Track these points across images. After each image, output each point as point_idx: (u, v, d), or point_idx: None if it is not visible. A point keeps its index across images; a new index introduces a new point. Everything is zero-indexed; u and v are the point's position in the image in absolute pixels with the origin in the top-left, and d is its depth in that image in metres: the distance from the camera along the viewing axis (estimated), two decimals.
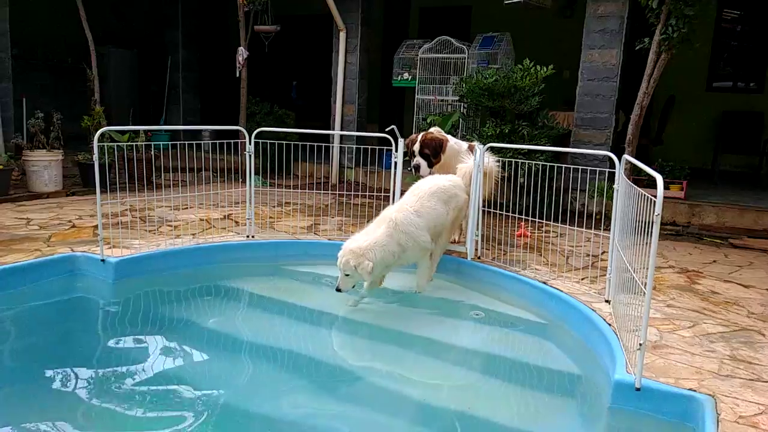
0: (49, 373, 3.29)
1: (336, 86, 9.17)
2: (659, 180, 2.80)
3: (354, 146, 8.51)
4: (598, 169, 4.49)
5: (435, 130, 5.45)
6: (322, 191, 6.23)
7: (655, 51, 6.12)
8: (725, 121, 9.38)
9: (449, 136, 5.47)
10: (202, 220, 6.03)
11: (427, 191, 4.53)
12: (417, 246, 4.30)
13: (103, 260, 4.47)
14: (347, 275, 4.09)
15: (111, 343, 3.83)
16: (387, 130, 5.51)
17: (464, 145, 5.45)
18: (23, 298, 4.16)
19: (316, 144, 6.88)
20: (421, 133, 5.37)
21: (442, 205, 4.57)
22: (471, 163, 4.95)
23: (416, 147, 5.27)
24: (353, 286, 4.20)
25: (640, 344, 2.86)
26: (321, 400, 3.28)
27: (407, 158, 5.40)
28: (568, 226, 4.68)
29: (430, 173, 5.32)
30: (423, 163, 5.25)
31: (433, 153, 5.23)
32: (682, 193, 6.98)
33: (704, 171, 9.12)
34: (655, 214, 2.75)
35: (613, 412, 2.95)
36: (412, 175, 5.47)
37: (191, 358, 3.66)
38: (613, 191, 4.05)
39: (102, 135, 4.42)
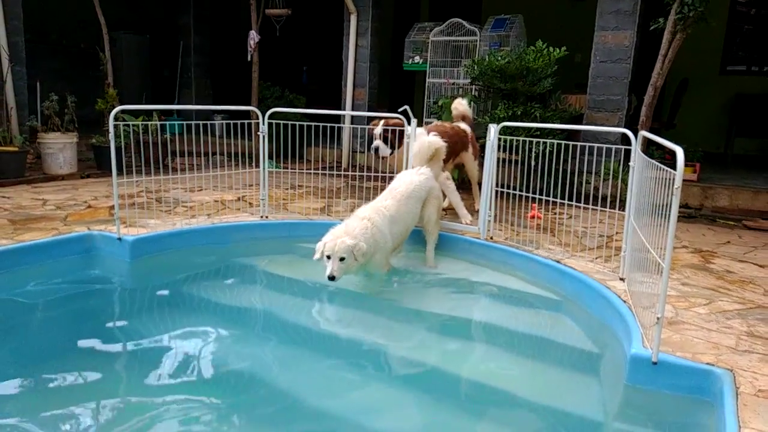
0: (69, 348, 3.33)
1: (347, 70, 9.15)
2: (679, 152, 2.79)
3: (366, 128, 8.47)
4: (614, 146, 4.47)
5: (460, 104, 5.56)
6: (335, 172, 6.24)
7: (670, 31, 6.04)
8: (739, 104, 9.30)
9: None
10: (216, 201, 6.07)
11: (404, 193, 4.53)
12: (382, 250, 4.30)
13: (119, 239, 4.51)
14: (342, 259, 3.96)
15: (129, 319, 3.86)
16: (400, 110, 5.52)
17: (424, 134, 5.59)
18: (42, 276, 4.20)
19: (328, 125, 6.88)
20: (383, 119, 5.60)
21: (418, 204, 4.63)
22: (422, 142, 5.07)
23: (378, 131, 5.51)
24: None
25: (658, 318, 2.85)
26: (338, 374, 3.30)
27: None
28: (583, 205, 4.67)
29: (390, 155, 5.60)
30: (382, 145, 5.53)
31: (394, 139, 5.51)
32: (695, 175, 6.94)
33: (717, 155, 9.06)
34: (675, 186, 2.74)
35: (629, 386, 2.95)
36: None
37: (209, 334, 3.68)
38: (626, 172, 4.04)
39: (116, 116, 4.44)
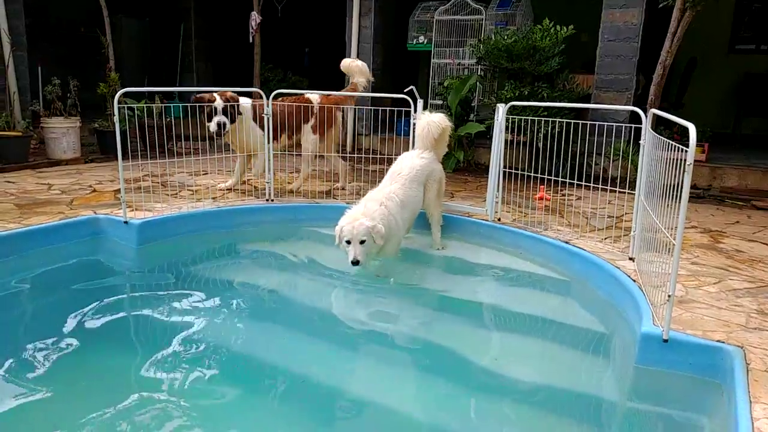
0: (77, 331, 3.33)
1: (349, 51, 9.04)
2: (692, 129, 2.74)
3: (371, 108, 8.40)
4: (623, 125, 4.42)
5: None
6: (339, 155, 6.20)
7: (679, 8, 5.95)
8: (747, 83, 9.19)
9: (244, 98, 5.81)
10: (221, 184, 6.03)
11: (408, 177, 4.43)
12: (395, 237, 4.25)
13: (126, 222, 4.50)
14: (362, 242, 3.88)
15: (138, 301, 3.88)
16: (406, 90, 5.46)
17: (248, 103, 5.76)
18: (49, 259, 4.20)
19: (333, 107, 6.81)
20: (220, 92, 5.50)
21: (421, 187, 4.54)
22: (427, 122, 4.73)
23: (218, 104, 5.42)
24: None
25: (669, 296, 2.83)
26: (345, 355, 3.31)
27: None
28: (592, 184, 4.64)
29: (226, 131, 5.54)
30: (226, 121, 5.44)
31: (233, 112, 5.51)
32: (703, 155, 6.88)
33: (725, 135, 8.97)
34: (687, 163, 2.71)
35: (640, 365, 2.95)
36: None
37: (219, 317, 3.68)
38: (635, 152, 4.00)
39: (119, 99, 4.41)
